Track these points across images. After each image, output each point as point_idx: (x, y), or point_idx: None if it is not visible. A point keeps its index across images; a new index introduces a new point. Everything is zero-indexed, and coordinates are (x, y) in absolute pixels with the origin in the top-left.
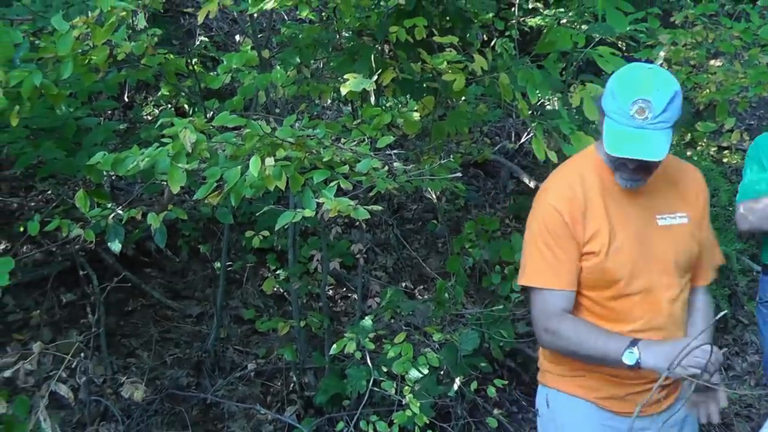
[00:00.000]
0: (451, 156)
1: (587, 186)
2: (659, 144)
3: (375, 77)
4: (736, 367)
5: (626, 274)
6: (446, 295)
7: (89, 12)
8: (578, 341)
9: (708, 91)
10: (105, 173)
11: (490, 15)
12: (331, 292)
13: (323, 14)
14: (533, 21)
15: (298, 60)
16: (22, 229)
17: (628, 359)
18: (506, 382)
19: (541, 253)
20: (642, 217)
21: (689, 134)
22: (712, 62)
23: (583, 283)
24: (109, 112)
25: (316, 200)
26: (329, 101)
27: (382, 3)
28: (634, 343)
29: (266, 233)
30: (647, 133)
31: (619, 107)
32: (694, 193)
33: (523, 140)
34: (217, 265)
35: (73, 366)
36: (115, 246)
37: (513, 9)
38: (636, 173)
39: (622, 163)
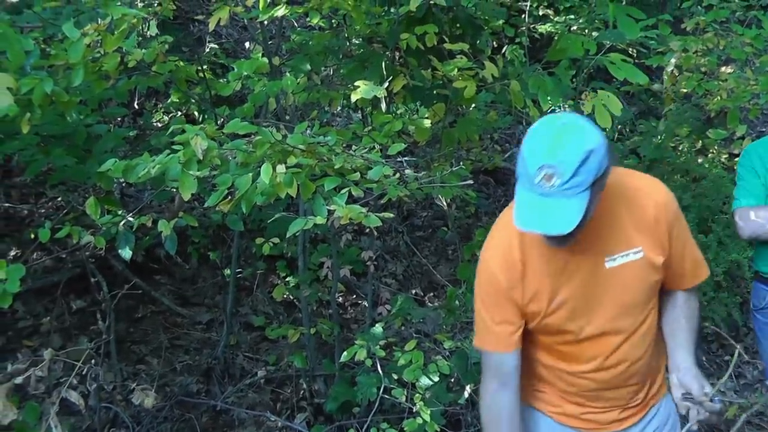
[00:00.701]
0: (462, 163)
1: (526, 244)
2: (568, 213)
3: (386, 84)
4: (747, 374)
5: (574, 326)
6: (457, 302)
7: (99, 19)
8: (487, 427)
9: (719, 98)
10: (115, 180)
11: (501, 22)
12: (341, 299)
13: (333, 21)
14: (543, 28)
15: (308, 67)
16: (32, 235)
17: None
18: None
19: (481, 316)
20: (589, 264)
21: (700, 141)
22: (723, 69)
23: (535, 330)
24: (119, 119)
25: (327, 207)
26: (339, 108)
27: (392, 10)
28: None
29: (276, 240)
30: (554, 202)
31: (526, 172)
32: (651, 218)
33: None
34: (227, 272)
35: (83, 373)
36: (126, 253)
37: (523, 16)
38: (556, 239)
39: (548, 239)
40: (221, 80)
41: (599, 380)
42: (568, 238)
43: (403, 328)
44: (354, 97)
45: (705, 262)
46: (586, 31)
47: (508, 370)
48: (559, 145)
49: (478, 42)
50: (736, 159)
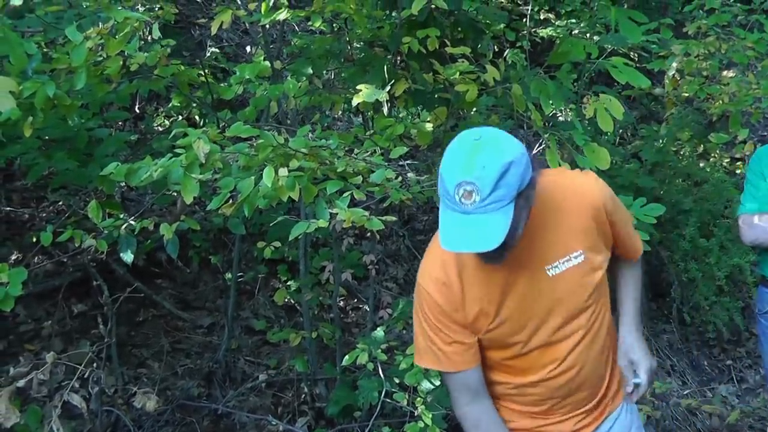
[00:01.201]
0: None
1: (463, 264)
2: (492, 229)
3: (387, 88)
4: (749, 379)
5: (520, 338)
6: None
7: (101, 23)
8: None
9: (721, 102)
10: (116, 184)
11: (502, 26)
12: (342, 303)
13: (335, 25)
14: (545, 32)
15: (310, 71)
16: (34, 239)
17: None
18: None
19: (425, 337)
20: (529, 275)
21: (702, 145)
22: (725, 73)
23: (482, 346)
24: (120, 123)
25: (329, 211)
26: (340, 112)
27: (394, 14)
28: None
29: (277, 244)
30: (476, 218)
31: (445, 191)
32: (585, 218)
33: (534, 151)
34: (228, 275)
35: (85, 376)
36: (128, 256)
37: (524, 20)
38: (488, 255)
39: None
40: (222, 84)
41: (551, 388)
42: (500, 253)
43: (404, 331)
44: (356, 101)
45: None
46: (588, 34)
47: (475, 385)
48: (475, 160)
49: (479, 46)
50: (738, 163)
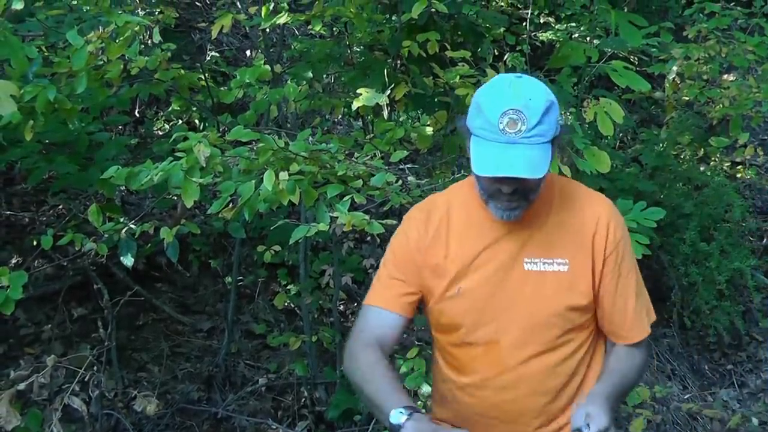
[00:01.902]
0: (463, 170)
1: (452, 216)
2: (536, 160)
3: (387, 92)
4: (750, 383)
5: (468, 322)
6: None
7: (101, 27)
8: (363, 380)
9: (721, 105)
10: (116, 188)
11: (502, 30)
12: (342, 307)
13: (335, 29)
14: (544, 36)
15: (310, 75)
16: (34, 243)
17: (394, 418)
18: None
19: (378, 274)
20: (506, 259)
21: (702, 149)
22: (725, 77)
23: (432, 325)
24: (121, 127)
25: (330, 214)
26: (340, 116)
27: (394, 18)
28: (409, 409)
29: (278, 248)
30: (521, 148)
31: (486, 121)
32: (588, 233)
33: None
34: (228, 279)
35: (85, 379)
36: (128, 260)
37: (524, 24)
38: (513, 199)
39: (497, 189)
40: (222, 88)
41: (486, 402)
42: (524, 201)
43: (404, 335)
44: (356, 105)
45: (647, 321)
46: (588, 38)
47: (381, 331)
48: (520, 91)
49: (479, 49)
50: (739, 167)
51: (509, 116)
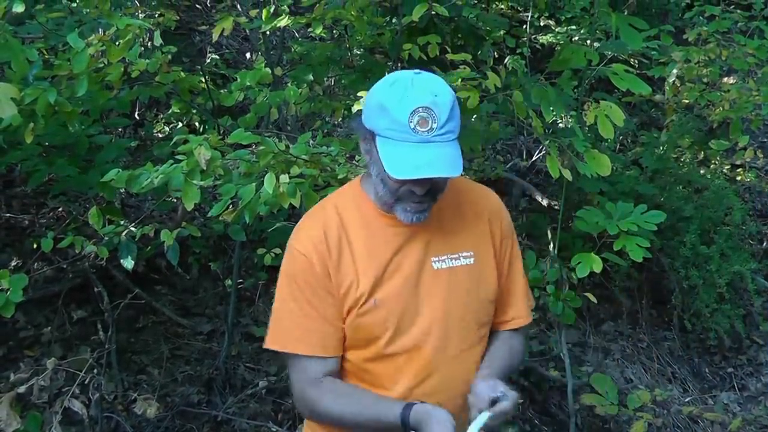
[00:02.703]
0: (464, 173)
1: (347, 228)
2: (453, 158)
3: None
4: (751, 387)
5: (387, 332)
6: None
7: (102, 30)
8: (341, 413)
9: (721, 108)
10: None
11: (502, 33)
12: None
13: (335, 32)
14: (545, 38)
15: (310, 77)
16: (34, 245)
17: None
18: (520, 401)
19: (289, 310)
20: (414, 261)
21: (702, 152)
22: (725, 80)
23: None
24: (121, 129)
25: None
26: (341, 119)
27: (394, 20)
28: (408, 406)
29: (278, 251)
30: (435, 146)
31: (394, 121)
32: (484, 225)
33: (534, 158)
34: (228, 282)
35: (85, 382)
36: (128, 263)
37: (525, 26)
38: (424, 200)
39: (409, 191)
40: (222, 91)
41: None
42: (433, 201)
43: None
44: (356, 107)
45: (529, 307)
46: (588, 41)
47: (328, 372)
48: (426, 87)
49: (480, 52)
50: (739, 170)
51: (419, 114)
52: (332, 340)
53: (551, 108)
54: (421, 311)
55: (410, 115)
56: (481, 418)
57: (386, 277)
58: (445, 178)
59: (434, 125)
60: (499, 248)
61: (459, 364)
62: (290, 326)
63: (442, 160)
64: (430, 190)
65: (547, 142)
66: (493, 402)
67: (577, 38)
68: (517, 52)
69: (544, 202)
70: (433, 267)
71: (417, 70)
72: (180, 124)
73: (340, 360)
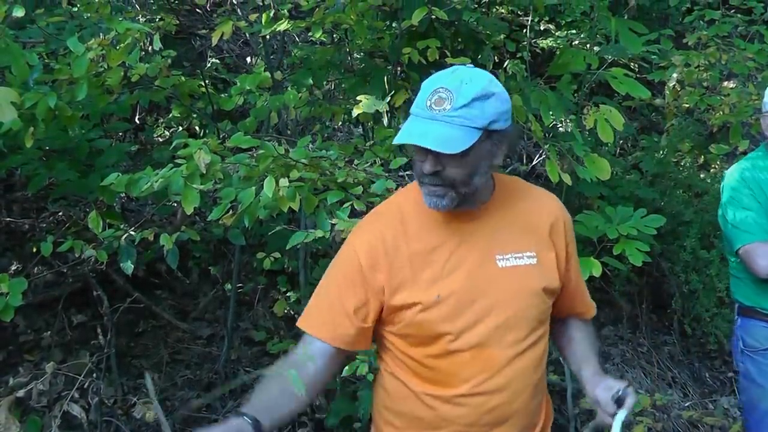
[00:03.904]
0: None
1: (407, 224)
2: (450, 138)
3: (388, 99)
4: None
5: (453, 328)
6: None
7: (102, 34)
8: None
9: (721, 113)
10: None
11: (502, 36)
12: None
13: (335, 36)
14: (545, 42)
15: (310, 81)
16: (34, 249)
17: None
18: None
19: (319, 295)
20: (477, 257)
21: (702, 156)
22: (725, 84)
23: (403, 339)
24: (121, 133)
25: (330, 221)
26: (340, 123)
27: (394, 24)
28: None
29: (277, 255)
30: (439, 124)
31: (419, 99)
32: (546, 227)
33: (534, 162)
34: (228, 286)
35: (84, 386)
36: (128, 267)
37: (524, 31)
38: (435, 183)
39: (421, 169)
40: (223, 95)
41: (480, 409)
42: (448, 191)
43: None
44: (356, 112)
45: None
46: (588, 45)
47: (315, 361)
48: (459, 75)
49: (480, 56)
50: None
51: (439, 94)
52: (340, 331)
53: (551, 112)
54: (486, 309)
55: (431, 93)
56: (619, 419)
57: (447, 273)
58: (463, 169)
59: (448, 106)
60: (566, 252)
61: (521, 362)
62: (315, 308)
63: (435, 135)
64: (441, 174)
65: (547, 146)
66: (618, 400)
67: (577, 42)
68: (517, 56)
69: None
70: (498, 265)
71: (473, 66)
72: (180, 129)
73: (403, 358)
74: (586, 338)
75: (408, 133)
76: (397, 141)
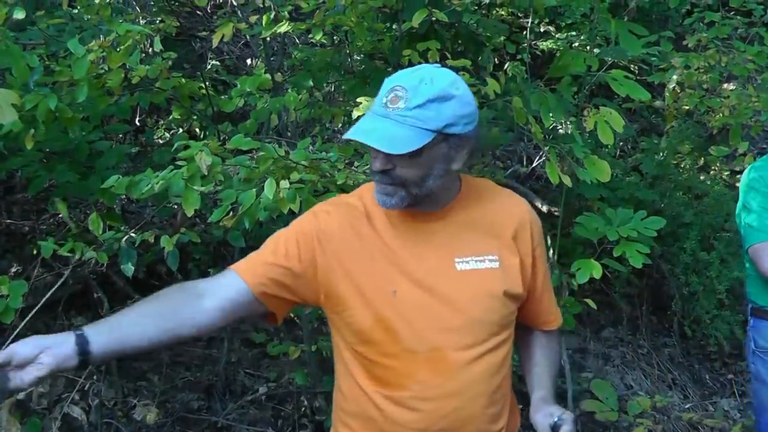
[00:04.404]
0: None
1: (371, 219)
2: (397, 137)
3: None
4: (751, 393)
5: (407, 327)
6: None
7: (102, 36)
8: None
9: (721, 115)
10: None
11: (502, 38)
12: None
13: (335, 38)
14: (545, 44)
15: (310, 83)
16: (34, 251)
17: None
18: (519, 407)
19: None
20: (437, 259)
21: (702, 158)
22: (725, 86)
23: (357, 335)
24: (121, 135)
25: None
26: (341, 125)
27: (394, 26)
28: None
29: None
30: (389, 122)
31: (378, 98)
32: (510, 231)
33: (534, 164)
34: None
35: (85, 389)
36: (128, 269)
37: (524, 32)
38: (384, 181)
39: (373, 170)
40: (222, 97)
41: (428, 412)
42: (397, 190)
43: None
44: (356, 114)
45: (557, 307)
46: (588, 47)
47: (225, 295)
48: (419, 74)
49: (480, 58)
50: (738, 176)
51: (395, 92)
52: (261, 274)
53: (551, 114)
54: (443, 311)
55: (389, 91)
56: None
57: (405, 271)
58: (414, 170)
59: (402, 105)
60: (532, 257)
61: (478, 367)
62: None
63: (381, 133)
64: (390, 174)
65: (547, 148)
66: (554, 428)
67: (577, 44)
68: (517, 58)
69: (544, 209)
70: (457, 268)
71: (440, 66)
72: (180, 130)
73: (356, 357)
74: (546, 358)
75: (356, 129)
76: (346, 137)
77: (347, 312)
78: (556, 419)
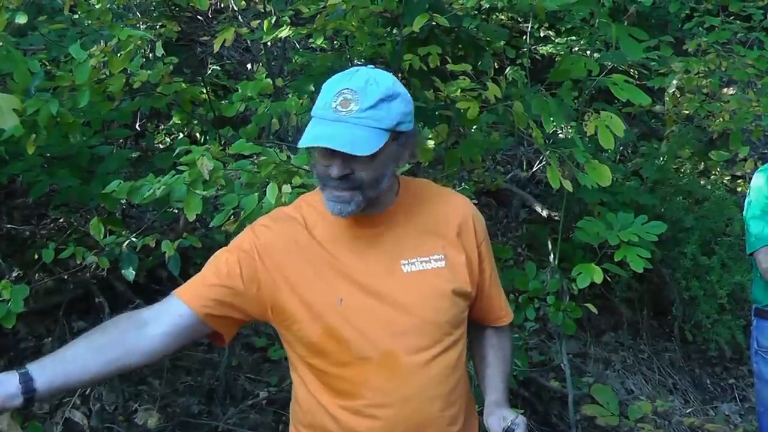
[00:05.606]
0: (464, 184)
1: (313, 230)
2: (360, 139)
3: None
4: (752, 398)
5: (357, 335)
6: None
7: (104, 41)
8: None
9: (721, 119)
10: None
11: (502, 43)
12: None
13: (336, 42)
14: (545, 49)
15: (311, 88)
16: (35, 256)
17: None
18: (521, 412)
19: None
20: (383, 263)
21: (702, 163)
22: (725, 90)
23: (307, 348)
24: (122, 140)
25: None
26: None
27: (395, 31)
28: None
29: None
30: (347, 126)
31: (322, 101)
32: (454, 229)
33: (535, 168)
34: None
35: (86, 393)
36: (129, 273)
37: (525, 37)
38: (342, 188)
39: (327, 173)
40: (224, 101)
41: (385, 419)
42: (354, 195)
43: None
44: None
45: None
46: (588, 52)
47: (169, 321)
48: (363, 75)
49: (480, 63)
50: (739, 180)
51: (344, 95)
52: (202, 297)
53: (551, 118)
54: (393, 315)
55: (335, 95)
56: None
57: (351, 280)
58: (372, 172)
59: (355, 107)
60: (477, 254)
61: (433, 369)
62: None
63: (345, 137)
64: (349, 178)
65: (548, 152)
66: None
67: (577, 49)
68: (518, 62)
69: (545, 213)
70: (404, 270)
71: (372, 67)
72: (181, 135)
73: (308, 369)
74: (498, 358)
75: (314, 136)
76: (303, 144)
77: (296, 325)
78: (509, 423)
